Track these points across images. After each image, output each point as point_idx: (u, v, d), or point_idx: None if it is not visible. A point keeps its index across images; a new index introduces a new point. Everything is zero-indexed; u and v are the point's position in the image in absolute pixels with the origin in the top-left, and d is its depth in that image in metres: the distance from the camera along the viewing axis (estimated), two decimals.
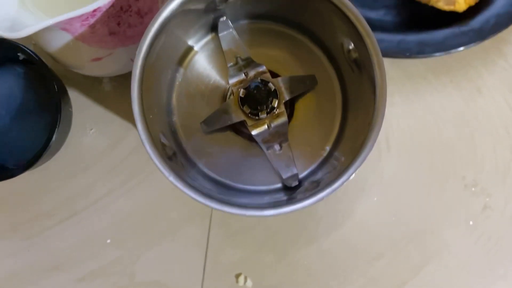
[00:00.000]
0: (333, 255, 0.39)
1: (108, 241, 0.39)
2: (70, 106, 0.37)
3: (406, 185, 0.40)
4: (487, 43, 0.39)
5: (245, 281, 0.39)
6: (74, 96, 0.39)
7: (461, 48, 0.37)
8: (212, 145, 0.33)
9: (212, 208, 0.38)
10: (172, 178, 0.26)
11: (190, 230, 0.39)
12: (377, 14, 0.40)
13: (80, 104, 0.40)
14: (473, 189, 0.40)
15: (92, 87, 0.40)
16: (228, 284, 0.39)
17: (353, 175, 0.27)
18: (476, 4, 0.38)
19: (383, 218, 0.40)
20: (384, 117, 0.39)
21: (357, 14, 0.27)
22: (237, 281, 0.39)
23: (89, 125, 0.40)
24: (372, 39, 0.26)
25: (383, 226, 0.40)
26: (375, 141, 0.26)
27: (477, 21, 0.38)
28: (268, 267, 0.39)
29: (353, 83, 0.31)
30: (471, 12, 0.39)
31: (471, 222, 0.40)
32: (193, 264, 0.39)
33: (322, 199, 0.26)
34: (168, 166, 0.27)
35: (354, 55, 0.29)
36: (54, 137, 0.34)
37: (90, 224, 0.39)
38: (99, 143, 0.40)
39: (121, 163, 0.39)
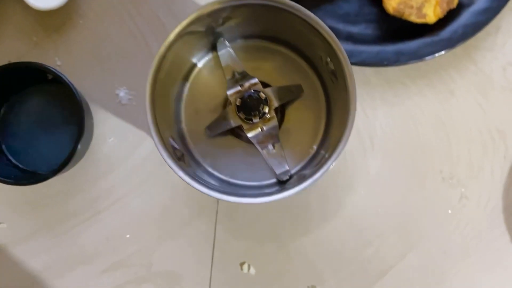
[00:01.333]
0: (326, 244, 0.44)
1: (128, 236, 0.44)
2: (92, 118, 0.43)
3: (390, 180, 0.44)
4: (457, 50, 0.44)
5: (249, 268, 0.44)
6: (95, 109, 0.45)
7: (434, 56, 0.42)
8: (215, 148, 0.38)
9: (217, 201, 0.43)
10: (181, 173, 0.31)
11: (199, 225, 0.44)
12: (358, 29, 0.45)
13: (100, 116, 0.45)
14: (450, 181, 0.44)
15: (110, 100, 0.45)
16: (233, 271, 0.44)
17: (331, 166, 0.31)
18: (445, 16, 0.43)
19: (370, 210, 0.44)
20: (368, 119, 0.45)
21: (330, 33, 0.32)
22: (241, 269, 0.44)
23: (109, 135, 0.45)
24: (343, 53, 0.32)
25: (370, 217, 0.44)
26: (348, 138, 0.31)
27: (446, 32, 0.43)
28: (269, 256, 0.44)
29: (333, 90, 0.36)
30: (441, 23, 0.43)
31: (449, 211, 0.44)
32: (202, 254, 0.44)
33: (305, 187, 0.31)
34: (177, 164, 0.32)
35: (331, 67, 0.34)
36: (79, 146, 0.39)
37: (111, 222, 0.44)
38: (118, 151, 0.45)
39: (137, 167, 0.45)
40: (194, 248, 0.44)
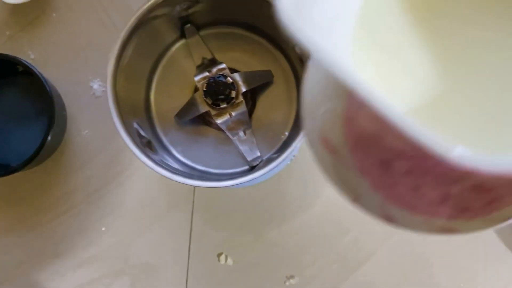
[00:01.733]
0: (304, 233, 0.44)
1: (103, 229, 0.44)
2: (65, 110, 0.43)
3: None
4: None
5: (226, 259, 0.43)
6: (70, 102, 0.44)
7: None
8: (187, 135, 0.38)
9: (194, 191, 0.43)
10: (143, 158, 0.31)
11: (175, 216, 0.44)
12: None
13: (74, 109, 0.45)
14: None
15: (85, 93, 0.45)
16: (210, 263, 0.43)
17: (296, 151, 0.31)
18: None
19: None
20: None
21: None
22: (219, 260, 0.43)
23: (83, 127, 0.45)
24: None
25: (348, 205, 0.44)
26: None
27: None
28: (246, 246, 0.44)
29: (302, 76, 0.36)
30: None
31: None
32: (179, 246, 0.44)
33: (271, 170, 0.31)
34: (141, 150, 0.31)
35: (298, 51, 0.34)
36: (49, 137, 0.39)
37: (86, 215, 0.44)
38: (92, 143, 0.44)
39: (112, 160, 0.44)
40: (170, 240, 0.44)
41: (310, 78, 0.19)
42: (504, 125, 0.15)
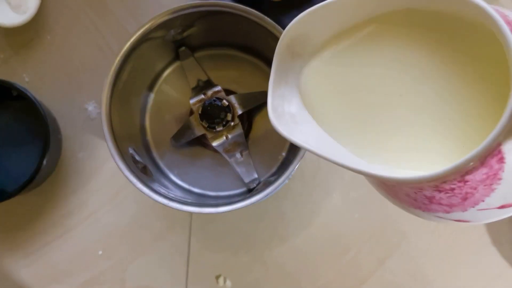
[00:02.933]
0: (303, 252, 0.43)
1: (100, 252, 0.43)
2: (59, 133, 0.42)
3: (365, 185, 0.43)
4: None
5: (225, 281, 0.43)
6: (64, 125, 0.44)
7: None
8: (183, 158, 0.38)
9: (191, 213, 0.42)
10: (139, 184, 0.31)
11: (172, 238, 0.43)
12: None
13: (69, 132, 0.44)
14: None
15: (80, 115, 0.44)
16: (209, 285, 0.43)
17: (293, 172, 0.31)
18: None
19: (346, 216, 0.43)
20: None
21: None
22: (217, 282, 0.43)
23: (78, 149, 0.44)
24: None
25: (347, 223, 0.43)
26: None
27: None
28: (245, 267, 0.43)
29: None
30: None
31: None
32: (177, 268, 0.43)
33: (270, 194, 0.31)
34: (135, 175, 0.31)
35: None
36: (44, 161, 0.38)
37: (83, 238, 0.43)
38: (88, 165, 0.44)
39: (107, 182, 0.44)
40: (168, 262, 0.43)
41: None
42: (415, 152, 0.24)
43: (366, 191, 0.43)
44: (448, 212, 0.22)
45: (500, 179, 0.20)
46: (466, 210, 0.22)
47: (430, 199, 0.22)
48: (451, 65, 0.24)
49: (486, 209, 0.22)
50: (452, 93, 0.24)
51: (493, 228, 0.43)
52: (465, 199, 0.21)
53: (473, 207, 0.22)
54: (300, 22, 0.24)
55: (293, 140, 0.23)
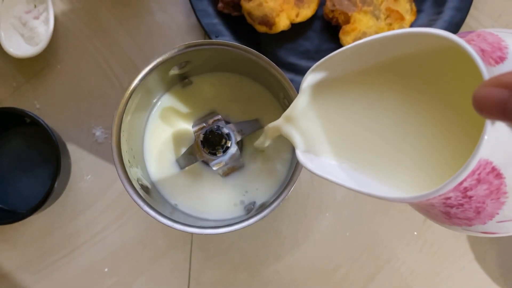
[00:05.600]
0: (298, 269, 0.46)
1: (106, 269, 0.46)
2: (69, 157, 0.45)
3: (356, 204, 0.46)
4: None
5: None
6: (73, 149, 0.47)
7: None
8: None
9: (192, 235, 0.45)
10: (146, 208, 0.33)
11: (174, 256, 0.46)
12: None
13: (78, 155, 0.47)
14: None
15: (88, 140, 0.47)
16: None
17: (289, 194, 0.34)
18: None
19: (338, 234, 0.46)
20: None
21: (280, 72, 0.35)
22: None
23: (86, 172, 0.47)
24: (293, 90, 0.34)
25: (339, 241, 0.46)
26: (300, 169, 0.33)
27: None
28: (243, 284, 0.46)
29: None
30: None
31: (415, 233, 0.46)
32: (178, 285, 0.46)
33: (264, 217, 0.33)
34: (141, 199, 0.34)
35: (287, 103, 0.37)
36: (56, 184, 0.41)
37: (90, 256, 0.46)
38: (95, 187, 0.47)
39: (113, 202, 0.47)
40: (170, 279, 0.46)
41: None
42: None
43: (357, 210, 0.46)
44: (470, 225, 0.24)
45: (505, 192, 0.22)
46: (485, 223, 0.24)
47: (447, 214, 0.24)
48: (422, 101, 0.27)
49: (505, 220, 0.23)
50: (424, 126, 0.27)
51: (476, 246, 0.46)
52: (478, 212, 0.23)
53: (491, 219, 0.23)
54: (315, 70, 0.28)
55: (325, 176, 0.26)
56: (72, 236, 0.46)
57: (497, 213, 0.23)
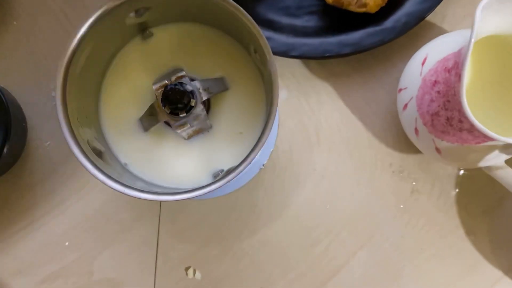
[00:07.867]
0: (274, 244, 0.42)
1: (67, 243, 0.42)
2: (24, 122, 0.41)
3: (337, 176, 0.43)
4: (402, 39, 0.43)
5: (194, 273, 0.42)
6: (31, 113, 0.43)
7: (377, 46, 0.41)
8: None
9: (160, 204, 0.41)
10: (95, 171, 0.30)
11: (141, 229, 0.42)
12: (301, 21, 0.44)
13: (36, 121, 0.43)
14: (400, 174, 0.43)
15: (47, 103, 0.43)
16: (178, 277, 0.42)
17: (256, 158, 0.30)
18: (388, 5, 0.42)
19: (318, 208, 0.43)
20: (313, 113, 0.43)
21: (249, 19, 0.30)
22: (186, 274, 0.42)
23: (45, 139, 0.43)
24: (263, 40, 0.30)
25: (319, 215, 0.43)
26: (271, 126, 0.30)
27: (389, 21, 0.42)
28: (215, 259, 0.42)
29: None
30: (384, 13, 0.42)
31: (401, 206, 0.43)
32: (145, 260, 0.42)
33: (228, 181, 0.30)
34: (92, 164, 0.30)
35: (258, 58, 0.33)
36: (5, 149, 0.37)
37: (49, 229, 0.42)
38: (55, 155, 0.43)
39: (75, 172, 0.43)
40: (136, 254, 0.42)
41: None
42: None
43: (339, 182, 0.43)
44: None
45: None
46: None
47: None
48: None
49: None
50: None
51: (467, 220, 0.42)
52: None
53: None
54: None
55: None
56: (30, 207, 0.42)
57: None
